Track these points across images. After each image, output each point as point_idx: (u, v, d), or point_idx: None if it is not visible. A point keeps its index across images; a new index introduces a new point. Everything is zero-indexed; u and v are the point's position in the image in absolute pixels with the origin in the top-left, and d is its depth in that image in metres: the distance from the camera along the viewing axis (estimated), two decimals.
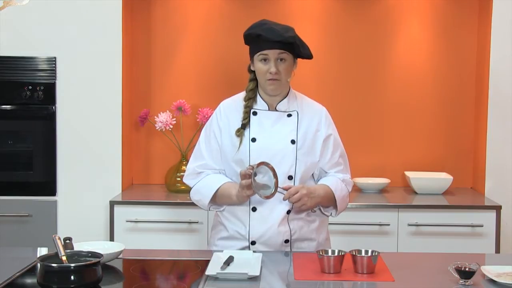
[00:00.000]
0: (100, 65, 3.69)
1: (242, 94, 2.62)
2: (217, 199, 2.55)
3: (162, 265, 2.33)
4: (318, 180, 2.63)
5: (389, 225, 3.54)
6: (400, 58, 4.09)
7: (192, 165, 2.62)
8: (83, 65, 3.67)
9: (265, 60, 2.47)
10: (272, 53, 2.45)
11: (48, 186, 3.68)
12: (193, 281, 2.14)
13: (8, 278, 2.07)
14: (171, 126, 3.79)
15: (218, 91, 4.05)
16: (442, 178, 3.88)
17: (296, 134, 2.53)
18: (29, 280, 2.11)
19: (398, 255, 2.67)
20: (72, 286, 1.92)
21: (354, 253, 2.22)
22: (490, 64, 3.77)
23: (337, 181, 2.59)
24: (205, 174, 2.59)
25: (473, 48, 4.05)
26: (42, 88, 3.66)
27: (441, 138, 4.11)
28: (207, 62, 4.06)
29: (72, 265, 1.96)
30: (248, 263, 2.22)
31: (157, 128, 3.81)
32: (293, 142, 2.52)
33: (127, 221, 3.52)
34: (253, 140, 2.51)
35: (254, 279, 2.10)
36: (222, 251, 2.39)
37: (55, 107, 3.67)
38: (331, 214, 2.62)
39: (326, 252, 2.24)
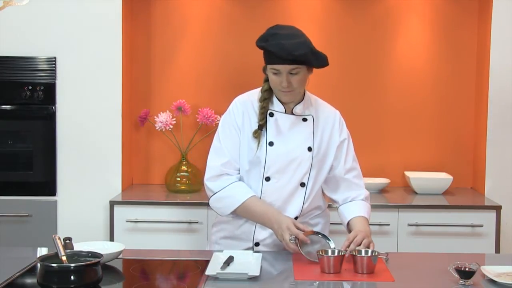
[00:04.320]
0: (100, 65, 3.68)
1: (256, 91, 2.56)
2: (238, 212, 2.49)
3: (162, 265, 2.33)
4: (331, 189, 2.62)
5: (389, 225, 3.54)
6: (400, 58, 4.08)
7: (215, 163, 2.51)
8: (83, 65, 3.67)
9: (276, 73, 2.41)
10: (283, 68, 2.38)
11: (48, 186, 3.68)
12: (193, 281, 2.14)
13: (8, 278, 2.06)
14: (171, 126, 3.79)
15: (218, 91, 4.05)
16: (442, 178, 3.88)
17: (313, 141, 2.52)
18: (29, 280, 2.11)
19: (398, 255, 2.66)
20: (72, 286, 1.92)
21: (354, 253, 2.22)
22: (490, 64, 3.77)
23: (364, 205, 2.59)
24: (228, 181, 2.49)
25: (473, 48, 4.05)
26: (42, 88, 3.66)
27: (441, 138, 4.11)
28: (207, 62, 4.06)
29: (72, 265, 1.96)
30: (248, 263, 2.22)
31: (157, 128, 3.81)
32: (309, 149, 2.50)
33: (127, 221, 3.52)
34: (271, 144, 2.48)
35: (254, 279, 2.10)
36: (222, 250, 2.38)
37: (55, 107, 3.67)
38: None
39: (326, 252, 2.24)
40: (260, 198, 2.49)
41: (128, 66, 3.90)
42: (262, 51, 2.46)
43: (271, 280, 2.16)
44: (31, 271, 2.17)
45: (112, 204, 3.53)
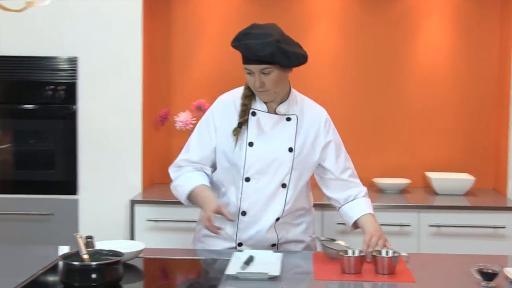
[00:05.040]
0: (120, 65, 3.70)
1: (240, 89, 2.53)
2: (191, 200, 2.51)
3: (182, 264, 2.33)
4: (327, 190, 2.60)
5: (409, 226, 3.52)
6: (420, 58, 4.06)
7: (181, 156, 2.57)
8: (104, 65, 3.69)
9: (250, 73, 2.39)
10: (254, 68, 2.35)
11: (69, 185, 3.71)
12: (213, 280, 2.14)
13: (31, 276, 2.08)
14: (191, 126, 3.79)
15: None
16: (464, 179, 3.85)
17: (294, 141, 2.47)
18: (51, 278, 2.13)
19: (419, 256, 2.64)
20: (93, 284, 1.93)
21: (374, 254, 2.21)
22: None
23: (367, 201, 2.57)
24: (185, 170, 2.53)
25: (495, 47, 4.01)
26: (63, 87, 3.69)
27: (462, 138, 4.08)
28: (226, 62, 4.06)
29: (94, 263, 1.97)
30: (268, 263, 2.22)
31: (177, 128, 3.82)
32: (290, 150, 2.46)
33: (147, 220, 3.54)
34: (250, 144, 2.45)
35: (274, 279, 2.09)
36: (208, 249, 2.44)
37: (76, 107, 3.70)
38: None
39: (347, 252, 2.23)
40: (241, 198, 2.46)
41: (149, 66, 3.91)
42: None
43: (291, 280, 2.15)
44: (53, 269, 2.18)
45: (133, 203, 3.55)
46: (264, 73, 2.36)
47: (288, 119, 2.49)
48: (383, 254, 2.23)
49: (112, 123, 3.72)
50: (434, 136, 4.09)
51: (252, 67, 2.36)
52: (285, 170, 2.46)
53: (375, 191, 3.95)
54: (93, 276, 1.94)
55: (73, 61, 3.68)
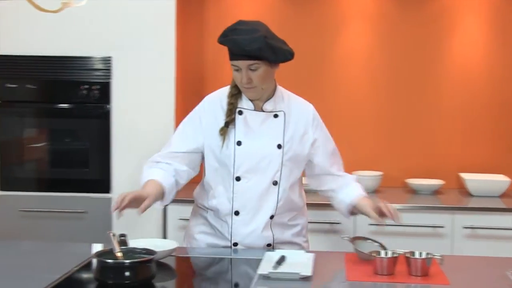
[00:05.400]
0: (154, 65, 3.73)
1: (227, 88, 2.51)
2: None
3: (214, 263, 2.34)
4: (318, 181, 2.61)
5: (443, 227, 3.48)
6: (455, 58, 4.01)
7: (161, 152, 2.54)
8: (138, 65, 3.72)
9: (237, 70, 2.36)
10: (241, 64, 2.33)
11: (103, 184, 3.75)
12: (245, 279, 2.15)
13: (66, 273, 2.11)
14: None
15: None
16: (499, 180, 3.79)
17: (283, 138, 2.45)
18: (85, 275, 2.16)
19: (453, 258, 2.61)
20: (126, 282, 1.95)
21: (408, 255, 2.19)
22: None
23: (360, 187, 2.59)
24: (153, 164, 2.49)
25: None
26: (98, 87, 3.73)
27: (498, 139, 4.01)
28: None
29: (127, 261, 1.99)
30: (300, 263, 2.21)
31: None
32: (279, 146, 2.44)
33: (179, 219, 3.56)
34: (239, 143, 2.43)
35: (306, 279, 2.09)
36: (202, 246, 2.46)
37: (110, 106, 3.74)
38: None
39: (379, 253, 2.21)
40: (232, 198, 2.45)
41: (182, 66, 3.94)
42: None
43: (323, 280, 2.14)
44: (87, 266, 2.21)
45: None
46: (251, 69, 2.34)
47: (276, 115, 2.47)
48: (417, 255, 2.20)
49: (145, 122, 3.75)
50: (468, 136, 4.03)
51: (239, 63, 2.34)
52: (275, 167, 2.44)
53: (408, 191, 3.92)
54: (127, 274, 1.96)
55: (107, 61, 3.72)
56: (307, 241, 2.65)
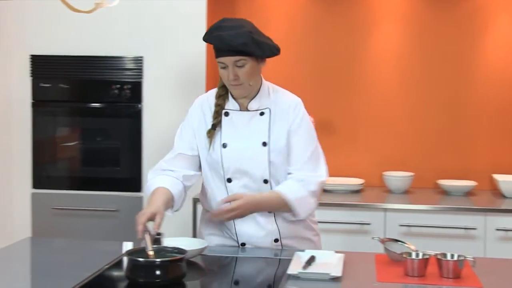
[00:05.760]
0: (185, 64, 3.75)
1: (215, 90, 2.50)
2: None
3: (244, 262, 2.34)
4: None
5: (475, 229, 3.43)
6: (488, 57, 3.96)
7: (164, 158, 2.55)
8: (169, 65, 3.75)
9: (223, 67, 2.35)
10: (227, 61, 2.32)
11: (134, 182, 3.78)
12: (274, 279, 2.14)
13: (97, 270, 2.14)
14: None
15: (302, 90, 4.03)
16: None
17: (268, 135, 2.42)
18: (116, 273, 2.18)
19: (486, 261, 2.57)
20: (157, 280, 1.96)
21: (439, 257, 2.16)
22: None
23: (289, 183, 2.41)
24: (160, 173, 2.50)
25: None
26: (129, 86, 3.76)
27: None
28: (290, 62, 4.06)
29: (158, 260, 2.00)
30: (330, 263, 2.20)
31: None
32: (264, 144, 2.41)
33: None
34: (224, 145, 2.42)
35: (336, 279, 2.08)
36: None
37: (141, 105, 3.77)
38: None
39: (410, 254, 2.19)
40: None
41: (212, 66, 3.95)
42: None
43: (353, 281, 2.13)
44: (117, 264, 2.23)
45: (195, 201, 3.59)
46: (238, 66, 2.33)
47: (262, 113, 2.44)
48: (448, 257, 2.18)
49: (175, 122, 3.74)
50: (501, 137, 3.98)
51: (225, 59, 2.33)
52: (263, 166, 2.41)
53: (439, 193, 3.88)
54: (157, 272, 1.97)
55: (138, 60, 3.75)
56: (317, 235, 2.60)
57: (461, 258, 2.15)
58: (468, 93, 3.99)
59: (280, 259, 2.35)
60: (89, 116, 3.83)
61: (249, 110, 2.45)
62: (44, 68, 3.79)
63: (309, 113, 2.49)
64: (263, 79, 2.49)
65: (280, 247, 2.48)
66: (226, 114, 2.45)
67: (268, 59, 2.45)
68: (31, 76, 3.80)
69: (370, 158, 4.09)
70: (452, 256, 2.18)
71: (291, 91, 4.06)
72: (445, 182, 3.87)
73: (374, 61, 4.07)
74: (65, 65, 3.78)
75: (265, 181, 2.43)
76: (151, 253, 2.07)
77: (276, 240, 2.48)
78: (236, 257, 2.37)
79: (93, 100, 3.81)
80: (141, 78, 3.76)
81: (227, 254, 2.41)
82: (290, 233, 2.50)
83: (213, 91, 2.52)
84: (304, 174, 2.42)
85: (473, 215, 3.45)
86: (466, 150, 4.01)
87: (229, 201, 2.33)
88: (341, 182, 3.92)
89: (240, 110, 2.45)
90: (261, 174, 2.42)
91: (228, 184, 2.45)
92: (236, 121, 2.44)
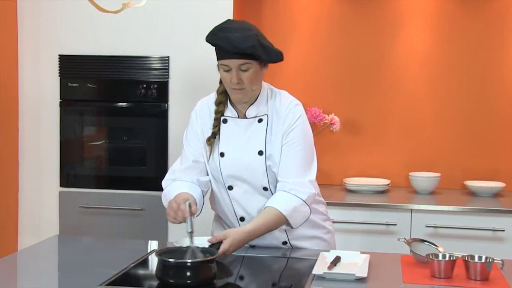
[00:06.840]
0: (211, 65, 3.71)
1: (214, 94, 2.46)
2: None
3: (272, 262, 2.34)
4: None
5: (504, 231, 3.39)
6: None
7: (174, 167, 2.50)
8: (195, 65, 3.76)
9: (226, 70, 2.30)
10: (232, 63, 2.27)
11: (160, 182, 3.77)
12: (300, 279, 2.14)
13: (124, 269, 2.15)
14: None
15: (326, 90, 4.04)
16: None
17: (265, 144, 2.37)
18: (142, 272, 2.20)
19: None
20: (188, 281, 1.95)
21: (466, 259, 2.14)
22: None
23: (280, 196, 2.34)
24: (175, 180, 2.46)
25: None
26: (155, 86, 3.78)
27: None
28: (316, 62, 4.06)
29: (189, 261, 2.00)
30: (355, 264, 2.20)
31: None
32: (260, 153, 2.37)
33: None
34: (222, 155, 2.39)
35: (361, 280, 2.07)
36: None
37: (167, 105, 3.79)
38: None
39: (437, 256, 2.17)
40: (232, 205, 2.43)
41: None
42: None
43: (378, 282, 2.12)
44: (143, 263, 2.25)
45: None
46: (242, 70, 2.28)
47: (260, 120, 2.40)
48: (476, 259, 2.15)
49: None
50: None
51: (230, 62, 2.27)
52: (260, 174, 2.38)
53: (466, 194, 3.84)
54: (188, 273, 1.96)
55: (165, 60, 3.77)
56: (329, 232, 2.57)
57: (489, 260, 2.13)
58: (496, 93, 3.95)
59: (304, 258, 2.35)
60: (116, 116, 3.86)
61: (247, 117, 2.41)
62: (72, 67, 3.83)
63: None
64: (263, 83, 2.46)
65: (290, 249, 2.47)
66: (225, 121, 2.42)
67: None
68: (59, 75, 3.85)
69: (396, 159, 4.06)
70: (480, 258, 2.16)
71: (316, 91, 4.05)
72: (473, 183, 3.82)
73: (402, 61, 4.04)
74: (92, 65, 3.82)
75: (265, 189, 2.41)
76: (192, 233, 2.10)
77: (284, 243, 2.48)
78: (243, 256, 2.36)
79: (120, 99, 3.84)
80: (167, 77, 3.78)
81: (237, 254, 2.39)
82: (298, 234, 2.48)
83: (213, 97, 2.48)
84: (294, 181, 2.34)
85: (501, 217, 3.41)
86: (494, 150, 3.96)
87: (213, 242, 2.20)
88: (367, 183, 3.90)
89: (238, 117, 2.41)
90: (260, 182, 2.40)
91: (229, 191, 2.44)
92: (233, 129, 2.41)
